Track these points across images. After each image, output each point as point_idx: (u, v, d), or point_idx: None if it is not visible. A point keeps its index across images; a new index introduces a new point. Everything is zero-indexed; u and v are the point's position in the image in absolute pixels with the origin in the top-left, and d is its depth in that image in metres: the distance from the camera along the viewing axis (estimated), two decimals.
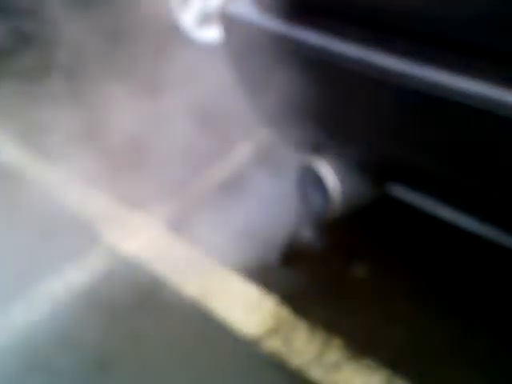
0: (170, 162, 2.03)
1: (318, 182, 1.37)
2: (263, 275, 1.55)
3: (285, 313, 1.43)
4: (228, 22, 1.39)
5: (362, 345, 1.33)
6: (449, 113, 1.01)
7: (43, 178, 2.01)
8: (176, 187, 1.90)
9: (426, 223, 1.53)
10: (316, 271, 1.56)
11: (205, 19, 2.62)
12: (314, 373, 1.28)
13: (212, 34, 2.60)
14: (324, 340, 1.35)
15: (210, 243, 1.66)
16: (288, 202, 1.75)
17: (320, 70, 1.17)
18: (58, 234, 1.77)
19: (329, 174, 1.34)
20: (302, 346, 1.34)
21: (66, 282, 1.59)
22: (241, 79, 1.45)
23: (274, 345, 1.35)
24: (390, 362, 1.29)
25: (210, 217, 1.77)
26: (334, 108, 1.22)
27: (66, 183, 1.98)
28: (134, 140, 2.17)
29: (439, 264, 1.53)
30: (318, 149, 1.40)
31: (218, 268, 1.58)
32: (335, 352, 1.32)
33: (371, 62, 1.07)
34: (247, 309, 1.45)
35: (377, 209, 1.64)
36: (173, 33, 2.66)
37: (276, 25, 1.23)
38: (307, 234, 1.68)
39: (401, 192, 1.34)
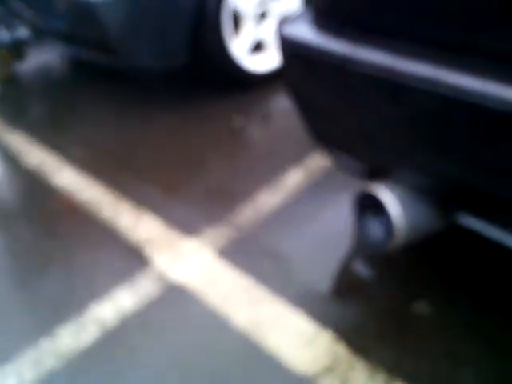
0: (223, 187, 2.01)
1: (378, 210, 1.29)
2: (317, 308, 1.46)
3: (341, 350, 1.34)
4: (285, 44, 1.36)
5: None
6: None
7: (94, 200, 2.02)
8: (228, 213, 1.87)
9: (497, 256, 1.41)
10: (374, 306, 1.46)
11: (257, 47, 2.62)
12: None
13: (265, 62, 2.60)
14: (385, 381, 1.25)
15: (261, 272, 1.60)
16: (344, 231, 1.68)
17: (386, 92, 1.12)
18: (109, 256, 1.76)
19: (391, 201, 1.26)
20: None
21: (116, 306, 1.56)
22: (301, 103, 1.41)
23: None
24: None
25: (261, 244, 1.71)
26: (399, 130, 1.15)
27: (117, 205, 1.98)
28: (186, 163, 2.17)
29: (509, 300, 1.40)
30: (378, 174, 1.33)
31: (269, 298, 1.51)
32: None
33: (442, 80, 1.01)
34: (300, 343, 1.37)
35: (442, 239, 1.54)
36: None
37: (338, 45, 1.19)
38: (364, 265, 1.59)
39: (471, 221, 1.24)
